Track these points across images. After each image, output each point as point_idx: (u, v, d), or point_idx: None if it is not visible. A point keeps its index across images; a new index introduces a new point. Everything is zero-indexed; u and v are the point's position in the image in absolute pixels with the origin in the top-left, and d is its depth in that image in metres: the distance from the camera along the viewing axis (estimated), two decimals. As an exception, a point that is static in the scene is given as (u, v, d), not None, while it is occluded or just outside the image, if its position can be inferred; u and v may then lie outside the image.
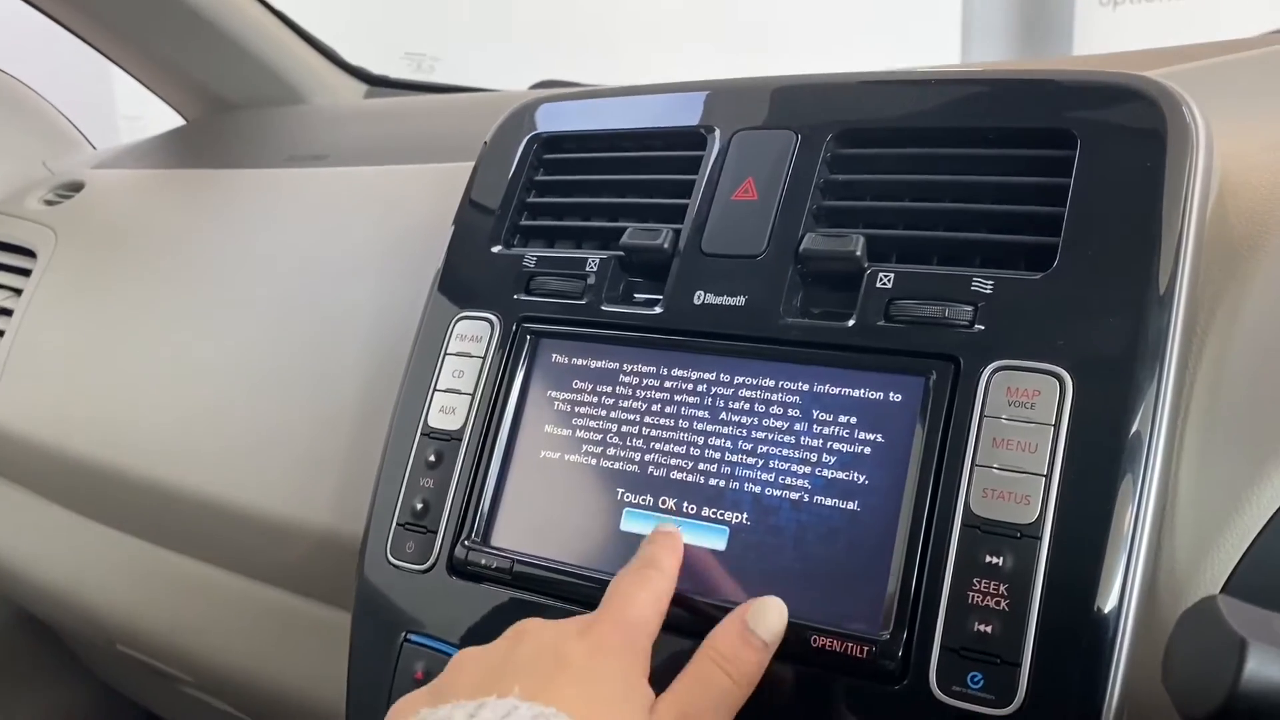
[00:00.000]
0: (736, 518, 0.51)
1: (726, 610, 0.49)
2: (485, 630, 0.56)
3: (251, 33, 1.17)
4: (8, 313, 1.03)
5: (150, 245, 0.98)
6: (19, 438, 0.94)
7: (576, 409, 0.57)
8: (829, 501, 0.50)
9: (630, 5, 3.34)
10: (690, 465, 0.53)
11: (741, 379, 0.54)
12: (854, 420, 0.50)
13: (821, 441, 0.51)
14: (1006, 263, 0.50)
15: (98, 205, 1.10)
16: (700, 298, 0.56)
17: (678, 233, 0.58)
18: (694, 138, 0.61)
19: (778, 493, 0.51)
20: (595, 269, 0.60)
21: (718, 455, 0.53)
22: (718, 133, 0.60)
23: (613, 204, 0.63)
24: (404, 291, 0.72)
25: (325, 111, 1.19)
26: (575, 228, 0.64)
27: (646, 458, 0.55)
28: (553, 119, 0.68)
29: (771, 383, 0.53)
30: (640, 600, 0.47)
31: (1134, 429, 0.44)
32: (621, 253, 0.59)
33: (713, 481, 0.53)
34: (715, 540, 0.51)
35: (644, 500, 0.54)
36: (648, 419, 0.55)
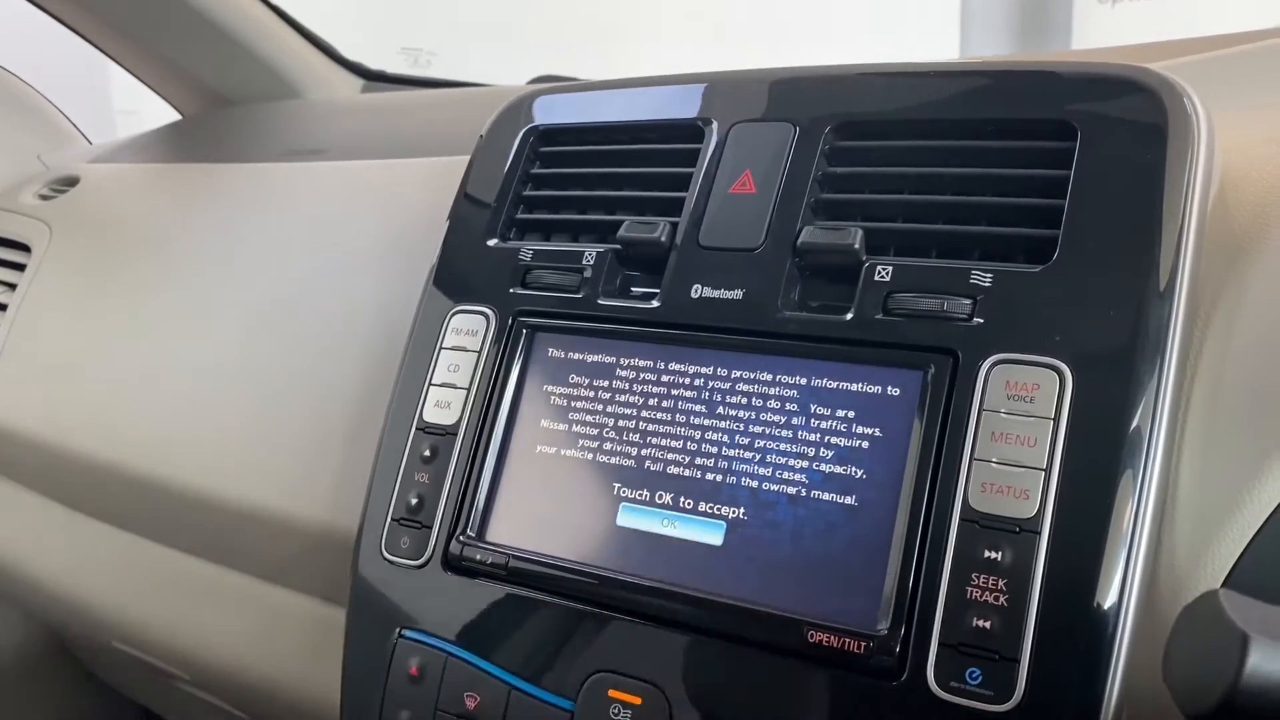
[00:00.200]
0: (734, 512, 0.51)
1: (724, 606, 0.49)
2: (480, 626, 0.55)
3: (248, 28, 1.17)
4: (2, 307, 1.03)
5: (145, 239, 0.98)
6: (13, 433, 0.94)
7: (573, 403, 0.57)
8: (827, 496, 0.49)
9: (629, 2, 3.34)
10: (687, 460, 0.53)
11: (739, 373, 0.53)
12: (852, 414, 0.50)
13: (819, 436, 0.50)
14: (1006, 256, 0.50)
15: (93, 200, 1.09)
16: (698, 291, 0.55)
17: (675, 226, 0.58)
18: (691, 130, 0.61)
19: (775, 487, 0.50)
20: (592, 262, 0.59)
21: (715, 450, 0.52)
22: (715, 125, 0.59)
23: (609, 197, 0.63)
24: (399, 285, 0.71)
25: (322, 106, 1.19)
26: (571, 221, 0.64)
27: (643, 452, 0.54)
28: (549, 112, 0.67)
29: (769, 377, 0.52)
30: None
31: (1134, 423, 0.44)
32: (618, 246, 0.59)
33: (710, 476, 0.52)
34: (712, 535, 0.51)
35: (641, 495, 0.53)
36: (644, 413, 0.55)
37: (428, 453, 0.59)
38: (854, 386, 0.50)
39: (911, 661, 0.45)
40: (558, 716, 0.52)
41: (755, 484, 0.51)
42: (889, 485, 0.48)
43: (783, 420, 0.51)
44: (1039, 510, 0.44)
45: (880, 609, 0.46)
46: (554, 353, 0.59)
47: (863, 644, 0.46)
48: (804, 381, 0.51)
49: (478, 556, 0.56)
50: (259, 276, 0.85)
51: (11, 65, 1.33)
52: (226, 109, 1.23)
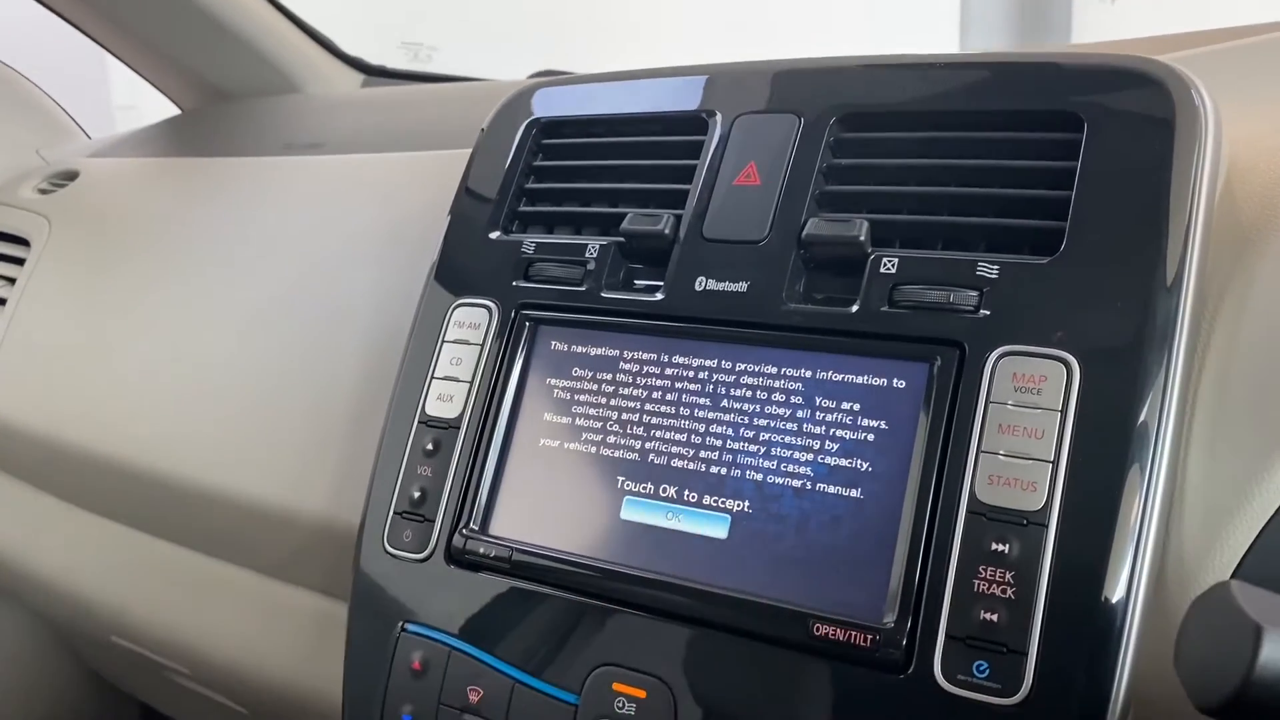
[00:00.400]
0: (738, 506, 0.51)
1: (729, 599, 0.49)
2: (484, 620, 0.55)
3: (248, 22, 1.16)
4: (1, 302, 1.02)
5: (145, 233, 0.97)
6: (12, 427, 0.94)
7: (576, 397, 0.57)
8: (832, 489, 0.49)
9: (629, -1, 3.33)
10: (691, 453, 0.53)
11: (743, 366, 0.53)
12: (857, 407, 0.50)
13: (824, 428, 0.50)
14: (1012, 247, 0.50)
15: (92, 193, 1.09)
16: (702, 284, 0.55)
17: (679, 218, 0.57)
18: (695, 122, 0.60)
19: (780, 480, 0.50)
20: (595, 255, 0.59)
21: (719, 443, 0.52)
22: (719, 117, 0.59)
23: (613, 189, 0.62)
24: (400, 278, 0.71)
25: (321, 101, 1.19)
26: (575, 214, 0.63)
27: (647, 446, 0.54)
28: (552, 104, 0.67)
29: (774, 369, 0.52)
30: None
31: (1142, 415, 0.44)
32: (622, 239, 0.59)
33: (714, 469, 0.52)
34: (717, 528, 0.51)
35: (644, 488, 0.53)
36: (648, 407, 0.55)
37: (430, 446, 0.59)
38: (859, 379, 0.50)
39: (918, 654, 0.44)
40: (562, 710, 0.51)
41: (760, 477, 0.51)
42: (895, 478, 0.48)
43: (787, 413, 0.51)
44: (1046, 503, 0.44)
45: (886, 602, 0.46)
46: (557, 346, 0.58)
47: (869, 637, 0.45)
48: (809, 374, 0.51)
49: (481, 550, 0.55)
50: (259, 270, 0.84)
51: (10, 60, 1.33)
52: (226, 104, 1.23)
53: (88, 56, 1.40)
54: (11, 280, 1.03)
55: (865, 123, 0.56)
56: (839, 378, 0.50)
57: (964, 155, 0.53)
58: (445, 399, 0.60)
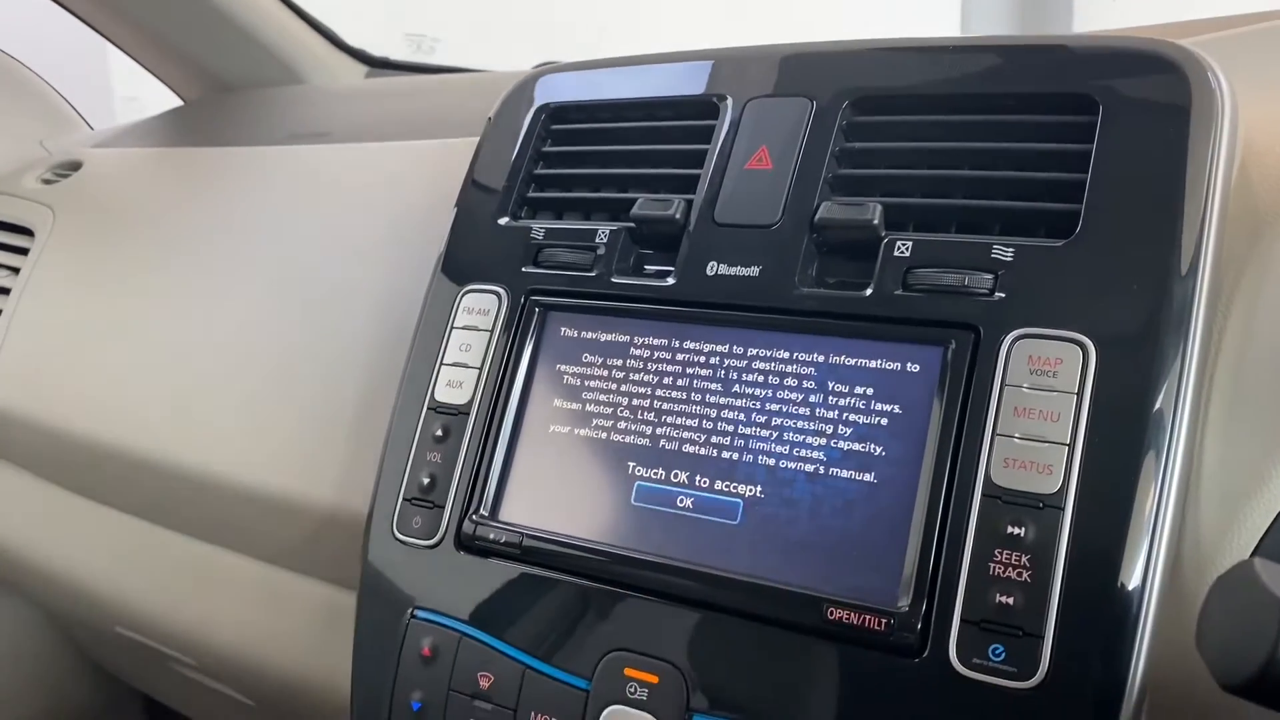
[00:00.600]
0: (751, 490, 0.50)
1: (742, 584, 0.48)
2: (494, 606, 0.55)
3: (251, 13, 1.16)
4: (5, 291, 1.02)
5: (149, 223, 0.97)
6: (17, 417, 0.93)
7: (586, 382, 0.56)
8: (845, 473, 0.49)
9: (630, -6, 3.33)
10: (703, 438, 0.52)
11: (755, 351, 0.53)
12: (871, 391, 0.49)
13: (837, 413, 0.50)
14: (1027, 230, 0.49)
15: (96, 184, 1.09)
16: (713, 269, 0.55)
17: (690, 203, 0.57)
18: (706, 106, 0.60)
19: (793, 465, 0.50)
20: (605, 241, 0.59)
21: (731, 428, 0.52)
22: (730, 101, 0.59)
23: (623, 175, 0.62)
24: (409, 265, 0.71)
25: (325, 91, 1.18)
26: (584, 199, 0.63)
27: (658, 431, 0.54)
28: (560, 90, 0.67)
29: (786, 354, 0.52)
30: None
31: (1158, 398, 0.44)
32: (632, 224, 0.58)
33: (726, 455, 0.52)
34: (729, 514, 0.51)
35: (655, 474, 0.53)
36: (659, 392, 0.54)
37: (440, 432, 0.59)
38: (873, 363, 0.50)
39: (933, 638, 0.44)
40: (573, 696, 0.51)
41: (773, 462, 0.50)
42: (909, 461, 0.47)
43: (800, 397, 0.51)
44: (1062, 485, 0.44)
45: (901, 586, 0.46)
46: (567, 332, 0.58)
47: (884, 621, 0.45)
48: (822, 358, 0.51)
49: (491, 536, 0.55)
50: (262, 259, 0.84)
51: (13, 51, 1.32)
52: (229, 95, 1.22)
53: (90, 49, 1.39)
54: (16, 270, 1.03)
55: (879, 106, 0.55)
56: (852, 362, 0.50)
57: (978, 138, 0.52)
58: (454, 385, 0.60)
